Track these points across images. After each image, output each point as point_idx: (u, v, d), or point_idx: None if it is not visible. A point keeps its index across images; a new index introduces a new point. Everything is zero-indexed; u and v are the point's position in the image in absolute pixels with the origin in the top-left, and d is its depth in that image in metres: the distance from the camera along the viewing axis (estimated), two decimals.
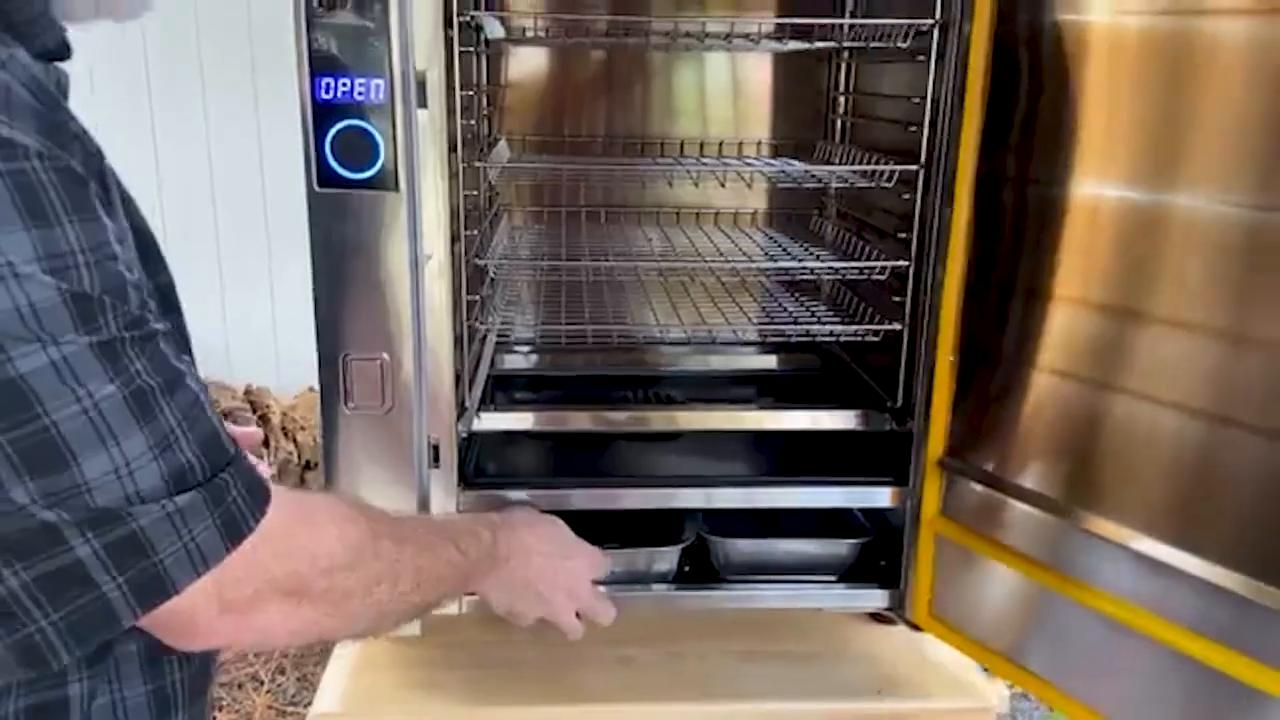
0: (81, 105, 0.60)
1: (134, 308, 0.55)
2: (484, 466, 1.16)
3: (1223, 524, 0.84)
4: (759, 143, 1.43)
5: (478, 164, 1.15)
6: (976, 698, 1.07)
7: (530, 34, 1.30)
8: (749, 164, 1.36)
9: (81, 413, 0.52)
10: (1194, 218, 0.81)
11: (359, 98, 0.90)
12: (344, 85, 0.90)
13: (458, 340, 1.05)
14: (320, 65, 0.89)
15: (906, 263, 1.08)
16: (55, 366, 0.51)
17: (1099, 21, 0.85)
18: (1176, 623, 0.86)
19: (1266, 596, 0.79)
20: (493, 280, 1.26)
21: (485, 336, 1.27)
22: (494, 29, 1.21)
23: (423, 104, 0.93)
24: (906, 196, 1.08)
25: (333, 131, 0.90)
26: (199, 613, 0.60)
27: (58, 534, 0.52)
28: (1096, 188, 0.88)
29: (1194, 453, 0.84)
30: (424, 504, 1.00)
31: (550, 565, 0.99)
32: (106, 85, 2.79)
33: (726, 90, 1.44)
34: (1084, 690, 0.96)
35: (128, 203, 0.61)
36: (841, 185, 1.23)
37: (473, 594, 0.95)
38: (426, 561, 0.80)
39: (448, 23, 0.95)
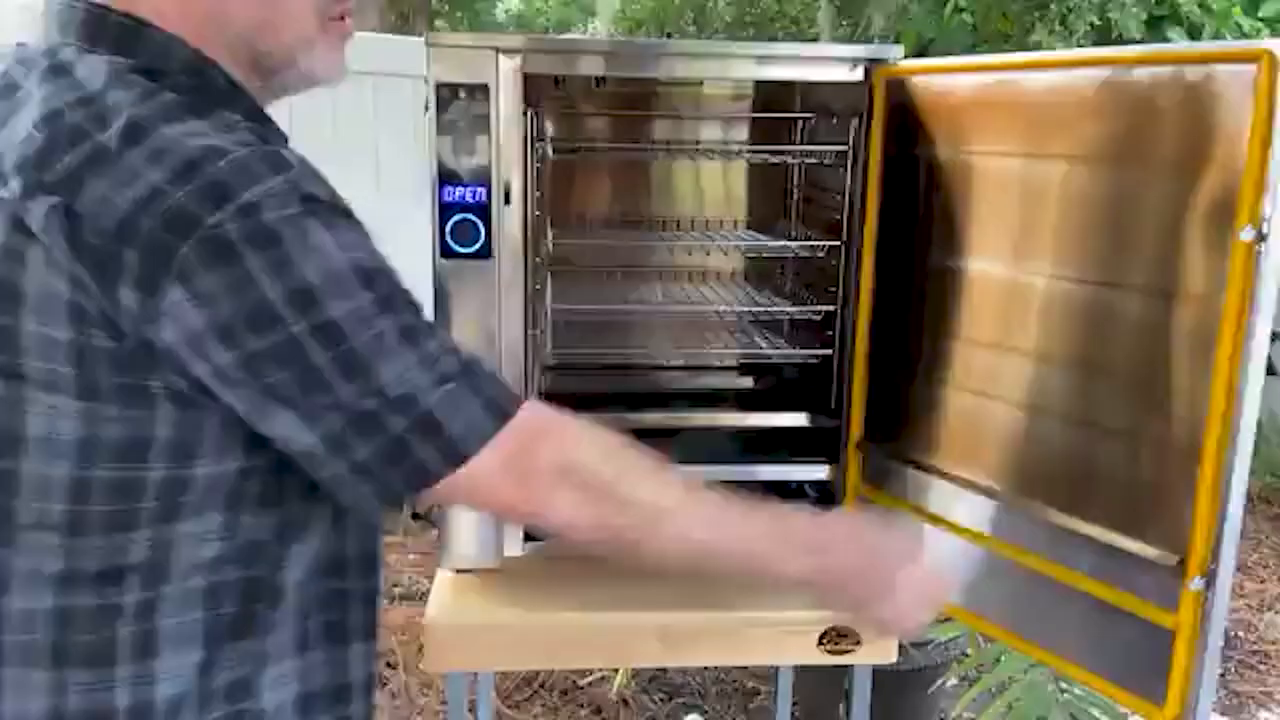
0: None
1: (401, 285, 0.81)
2: None
3: (1043, 476, 1.29)
4: (737, 221, 1.94)
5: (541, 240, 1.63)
6: None
7: (571, 148, 1.80)
8: (731, 239, 1.86)
9: (375, 337, 0.76)
10: (1027, 283, 1.28)
11: (470, 199, 1.39)
12: (460, 191, 1.38)
13: (526, 359, 1.52)
14: (445, 177, 1.37)
15: (834, 307, 1.56)
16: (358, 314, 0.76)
17: (949, 155, 1.34)
18: (1012, 542, 1.30)
19: (1064, 520, 1.22)
20: (547, 321, 1.74)
21: (540, 360, 1.75)
22: (548, 150, 1.70)
23: (507, 202, 1.41)
24: (834, 262, 1.56)
25: (451, 221, 1.38)
26: (495, 480, 0.81)
27: (377, 417, 0.77)
28: (951, 259, 1.36)
29: (1023, 430, 1.30)
30: None
31: (895, 556, 1.01)
32: None
33: (717, 184, 1.94)
34: (958, 593, 1.40)
35: None
36: (792, 255, 1.72)
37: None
38: (731, 510, 0.91)
39: (524, 149, 1.43)
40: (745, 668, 2.96)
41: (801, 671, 2.21)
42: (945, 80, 1.32)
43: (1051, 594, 1.24)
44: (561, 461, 0.84)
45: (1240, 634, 3.31)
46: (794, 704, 2.21)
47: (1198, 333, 1.05)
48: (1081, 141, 1.17)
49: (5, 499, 0.77)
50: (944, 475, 1.39)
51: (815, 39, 4.89)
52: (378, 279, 0.79)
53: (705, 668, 2.97)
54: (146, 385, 0.75)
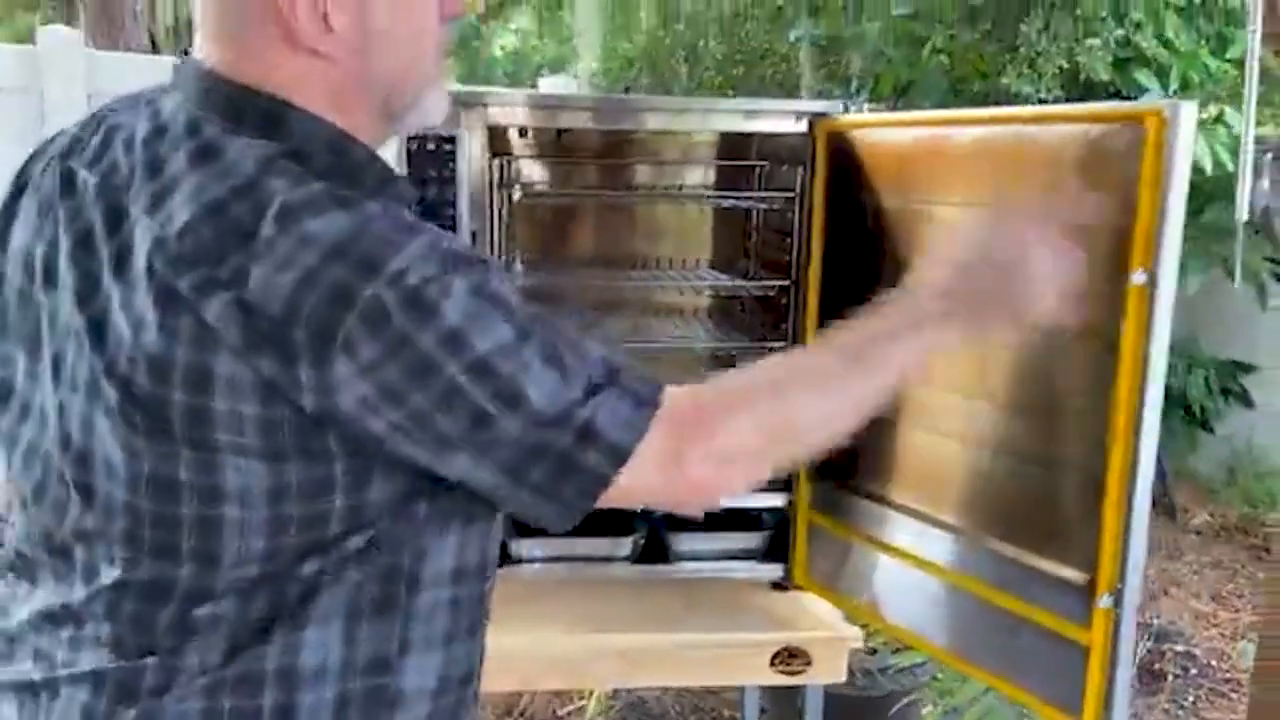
0: None
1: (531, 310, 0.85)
2: None
3: (973, 504, 1.37)
4: (700, 260, 2.04)
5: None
6: (837, 631, 1.59)
7: (538, 193, 1.90)
8: (691, 279, 1.96)
9: (523, 366, 0.80)
10: None
11: None
12: None
13: None
14: None
15: (784, 343, 1.65)
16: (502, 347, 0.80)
17: (885, 202, 1.43)
18: (948, 566, 1.38)
19: (994, 544, 1.31)
20: None
21: None
22: (515, 195, 1.80)
23: (474, 244, 1.50)
24: (784, 301, 1.65)
25: None
26: (664, 470, 0.85)
27: (541, 440, 0.81)
28: None
29: (956, 462, 1.39)
30: None
31: (1006, 249, 0.99)
32: None
33: (681, 225, 2.04)
34: (899, 615, 1.48)
35: None
36: (747, 293, 1.82)
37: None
38: (859, 358, 0.93)
39: (490, 194, 1.53)
40: (719, 695, 3.02)
41: (771, 699, 2.27)
42: (880, 134, 1.42)
43: (985, 615, 1.32)
44: (716, 449, 0.87)
45: (1214, 662, 3.36)
46: None
47: (1101, 369, 1.14)
48: (999, 191, 1.26)
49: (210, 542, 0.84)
50: (888, 504, 1.47)
51: (799, 81, 5.02)
52: (513, 310, 0.82)
53: (682, 696, 3.03)
54: (328, 446, 0.81)
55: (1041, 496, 1.24)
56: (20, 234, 0.91)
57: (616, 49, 7.25)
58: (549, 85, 5.56)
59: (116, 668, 0.86)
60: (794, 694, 2.05)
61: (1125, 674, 1.17)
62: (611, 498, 0.86)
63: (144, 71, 3.85)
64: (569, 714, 2.94)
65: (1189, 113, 1.06)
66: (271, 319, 0.77)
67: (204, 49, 0.87)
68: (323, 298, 0.76)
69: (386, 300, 0.77)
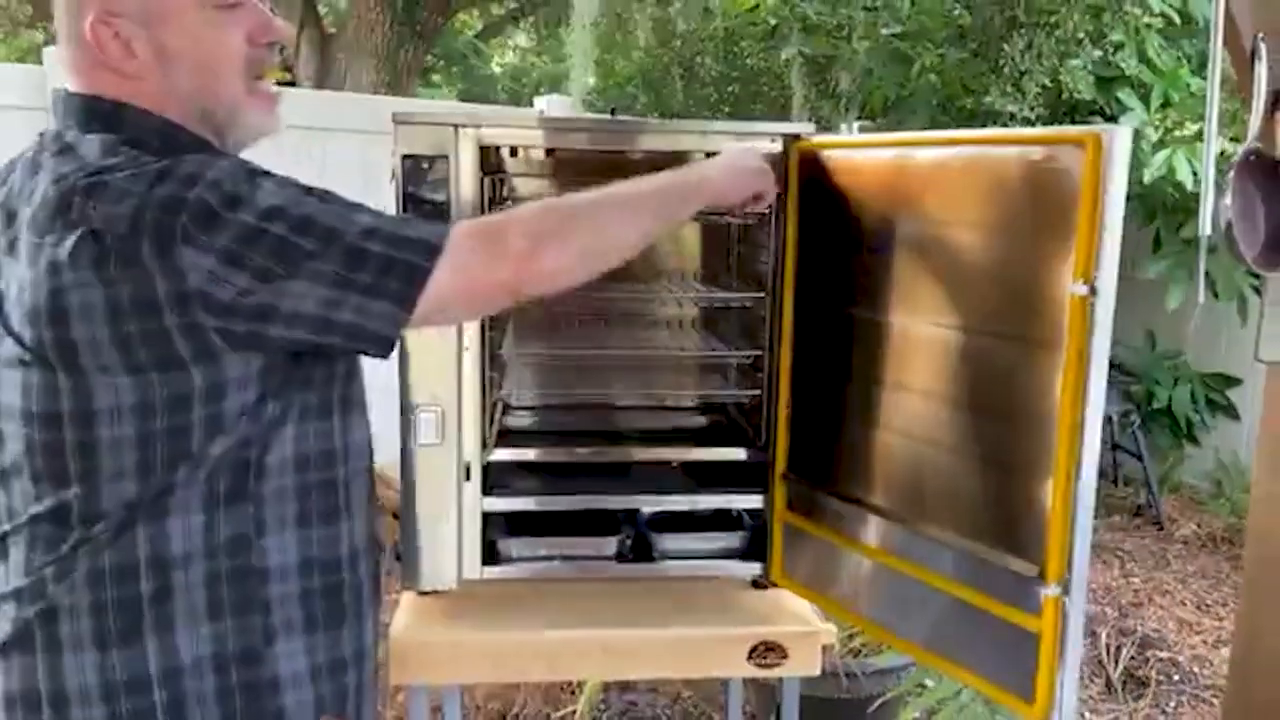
0: None
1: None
2: (500, 483, 1.78)
3: (934, 501, 1.45)
4: (684, 273, 2.12)
5: None
6: (813, 626, 1.66)
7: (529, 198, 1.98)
8: (675, 291, 2.04)
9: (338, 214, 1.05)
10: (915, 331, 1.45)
11: None
12: None
13: (484, 399, 1.68)
14: None
15: (761, 351, 1.73)
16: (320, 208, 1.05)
17: (854, 217, 1.52)
18: (915, 563, 1.45)
19: (953, 539, 1.38)
20: (504, 364, 1.90)
21: (498, 402, 1.91)
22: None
23: None
24: (761, 312, 1.73)
25: None
26: (478, 258, 1.08)
27: (360, 250, 1.02)
28: (857, 310, 1.53)
29: (919, 461, 1.47)
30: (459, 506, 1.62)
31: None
32: None
33: (669, 240, 2.13)
34: (869, 610, 1.55)
35: None
36: (723, 304, 1.91)
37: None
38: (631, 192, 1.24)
39: (482, 210, 1.61)
40: (707, 699, 3.08)
41: (756, 702, 2.34)
42: (849, 154, 1.51)
43: (947, 608, 1.40)
44: (529, 230, 1.12)
45: (1197, 669, 3.43)
46: None
47: (1048, 375, 1.22)
48: (956, 208, 1.35)
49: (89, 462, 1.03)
50: (857, 504, 1.54)
51: (790, 98, 5.10)
52: (318, 191, 1.06)
53: (674, 701, 3.09)
54: (178, 354, 1.00)
55: (997, 495, 1.32)
56: None
57: (614, 67, 7.35)
58: (545, 103, 5.66)
59: (30, 583, 1.05)
60: (777, 694, 2.12)
61: (1074, 659, 1.25)
62: (442, 298, 1.06)
63: None
64: (561, 717, 3.00)
65: (1124, 137, 1.14)
66: (118, 236, 0.97)
67: (65, 76, 1.11)
68: (156, 210, 0.97)
69: (210, 199, 0.99)
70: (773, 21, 5.38)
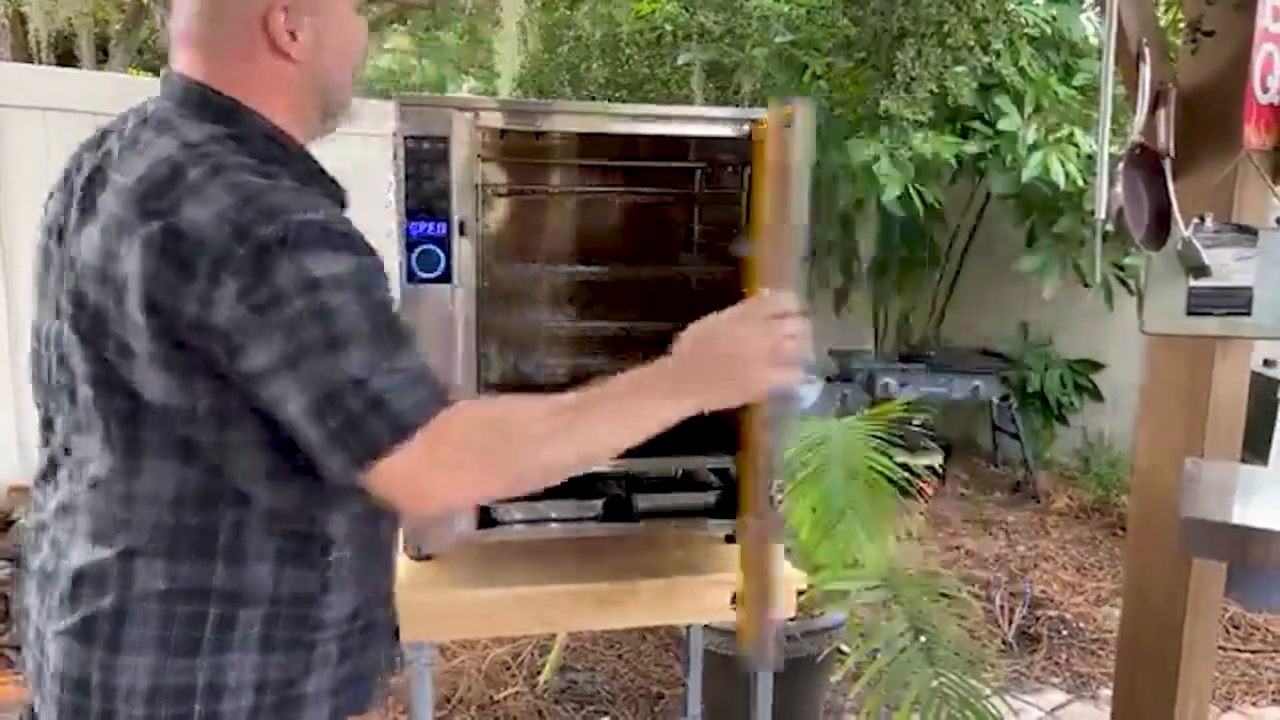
0: None
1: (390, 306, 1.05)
2: None
3: None
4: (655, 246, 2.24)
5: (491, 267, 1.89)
6: (786, 573, 1.81)
7: (513, 190, 2.08)
8: (644, 269, 2.16)
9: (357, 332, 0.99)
10: None
11: (431, 232, 1.63)
12: (424, 226, 1.62)
13: (476, 370, 1.76)
14: (411, 215, 1.62)
15: None
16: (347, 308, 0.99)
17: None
18: None
19: None
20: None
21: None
22: (495, 191, 1.96)
23: (464, 234, 1.66)
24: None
25: (416, 251, 1.62)
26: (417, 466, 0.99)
27: (341, 396, 0.97)
28: None
29: None
30: None
31: (727, 337, 1.11)
32: None
33: (638, 218, 2.24)
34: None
35: None
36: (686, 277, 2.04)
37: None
38: (585, 414, 1.08)
39: (476, 191, 1.69)
40: (649, 676, 3.20)
41: (707, 671, 2.46)
42: None
43: None
44: (453, 466, 1.03)
45: (1082, 625, 3.73)
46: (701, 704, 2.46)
47: None
48: None
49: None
50: None
51: (686, 102, 5.28)
52: (369, 294, 1.01)
53: (612, 678, 3.20)
54: (189, 362, 1.00)
55: None
56: (51, 207, 1.15)
57: (498, 70, 7.40)
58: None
59: (92, 563, 1.07)
60: (731, 663, 2.25)
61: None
62: (383, 478, 1.00)
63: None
64: (505, 698, 3.06)
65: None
66: (188, 242, 0.97)
67: (182, 61, 1.12)
68: (228, 232, 0.97)
69: (272, 241, 0.97)
70: (669, 29, 5.56)
